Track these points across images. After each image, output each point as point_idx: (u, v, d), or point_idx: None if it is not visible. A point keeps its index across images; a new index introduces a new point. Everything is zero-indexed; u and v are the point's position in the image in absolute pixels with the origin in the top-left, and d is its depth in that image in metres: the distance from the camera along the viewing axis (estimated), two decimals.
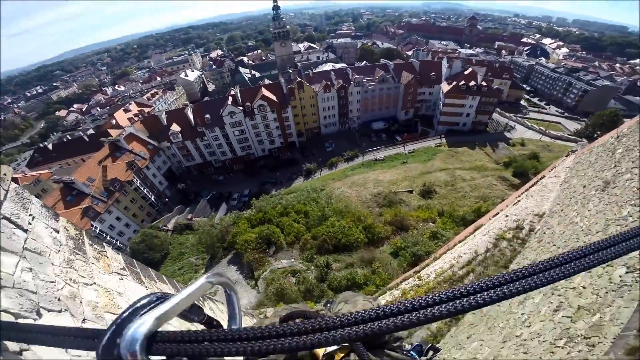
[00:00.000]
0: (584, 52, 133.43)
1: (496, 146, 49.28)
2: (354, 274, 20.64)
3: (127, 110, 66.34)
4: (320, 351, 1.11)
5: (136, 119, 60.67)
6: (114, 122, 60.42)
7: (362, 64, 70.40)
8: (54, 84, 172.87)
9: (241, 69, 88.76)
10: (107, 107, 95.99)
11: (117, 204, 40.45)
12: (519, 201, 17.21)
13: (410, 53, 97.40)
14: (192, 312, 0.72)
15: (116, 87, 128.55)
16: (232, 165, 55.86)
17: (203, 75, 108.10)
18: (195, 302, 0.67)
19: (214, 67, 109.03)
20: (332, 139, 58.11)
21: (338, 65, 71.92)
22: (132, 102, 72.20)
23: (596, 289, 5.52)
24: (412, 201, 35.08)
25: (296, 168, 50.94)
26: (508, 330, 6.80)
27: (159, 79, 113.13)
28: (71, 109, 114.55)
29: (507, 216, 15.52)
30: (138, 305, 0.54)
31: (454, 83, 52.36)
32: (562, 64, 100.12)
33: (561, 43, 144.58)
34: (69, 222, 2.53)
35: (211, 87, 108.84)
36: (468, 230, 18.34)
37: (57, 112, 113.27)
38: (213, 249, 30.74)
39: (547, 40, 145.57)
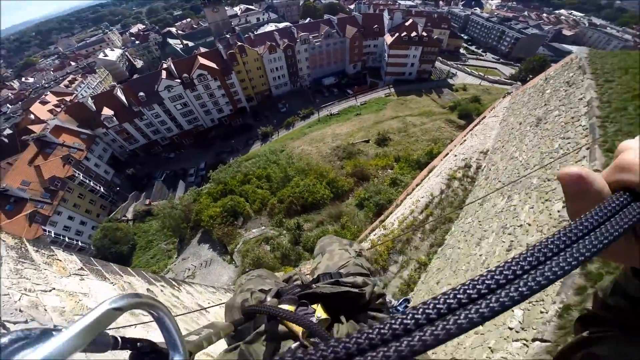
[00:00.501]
0: (514, 2, 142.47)
1: (441, 92, 51.86)
2: (325, 231, 20.77)
3: (44, 102, 57.44)
4: (299, 327, 0.98)
5: (58, 110, 52.91)
6: (32, 117, 51.92)
7: (307, 21, 67.84)
8: None
9: (171, 41, 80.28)
10: (19, 102, 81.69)
11: (64, 203, 37.49)
12: (465, 140, 18.16)
13: (352, 7, 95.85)
14: (100, 340, 0.53)
15: (23, 79, 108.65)
16: (181, 141, 52.09)
17: (127, 53, 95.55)
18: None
19: (137, 42, 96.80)
20: (285, 99, 56.60)
21: (281, 25, 68.18)
22: (49, 93, 62.44)
23: (540, 226, 5.70)
24: (369, 150, 35.98)
25: (251, 133, 49.16)
26: (470, 272, 7.03)
27: (73, 63, 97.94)
28: None
29: (455, 156, 16.22)
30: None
31: (397, 35, 53.01)
32: (495, 13, 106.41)
33: None
34: (5, 233, 2.51)
35: (139, 63, 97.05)
36: (423, 173, 18.83)
37: None
38: (179, 231, 29.15)
39: None
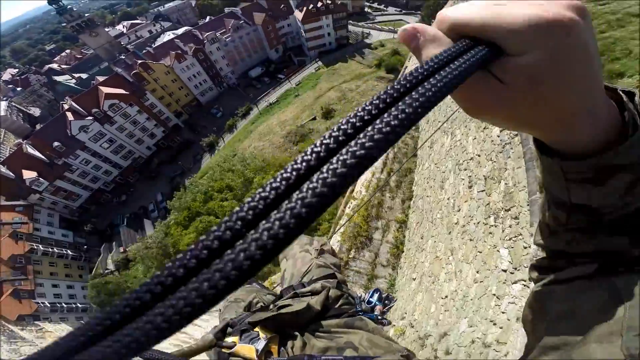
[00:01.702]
0: None
1: (363, 53, 53.88)
2: None
3: None
4: (250, 353, 1.02)
5: None
6: None
7: (207, 20, 63.59)
8: None
9: (58, 78, 70.02)
10: None
11: (40, 275, 36.78)
12: None
13: None
14: None
15: None
16: (125, 180, 47.55)
17: (13, 103, 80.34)
18: None
19: (19, 89, 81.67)
20: (217, 103, 54.44)
21: (180, 31, 63.08)
22: None
23: (487, 154, 5.68)
24: (319, 126, 36.87)
25: (195, 148, 46.74)
26: (446, 219, 6.94)
27: None
28: None
29: None
30: None
31: (305, 9, 53.11)
32: None
33: None
34: None
35: (36, 111, 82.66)
36: None
37: None
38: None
39: None
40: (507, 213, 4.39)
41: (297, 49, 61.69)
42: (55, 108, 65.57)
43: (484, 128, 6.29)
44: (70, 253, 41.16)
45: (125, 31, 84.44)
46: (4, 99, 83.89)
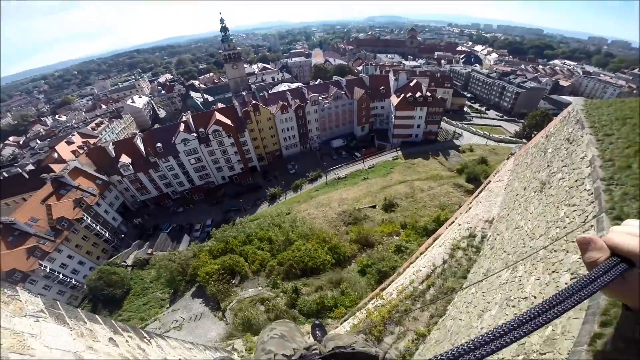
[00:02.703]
0: (510, 56, 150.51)
1: (448, 154, 52.33)
2: (324, 297, 20.13)
3: (70, 142, 60.97)
4: None
5: (81, 151, 56.08)
6: (55, 155, 55.01)
7: (317, 82, 71.84)
8: None
9: (192, 94, 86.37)
10: (48, 140, 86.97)
11: (67, 242, 38.69)
12: (470, 208, 17.53)
13: (360, 68, 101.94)
14: None
15: (57, 117, 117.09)
16: (191, 196, 53.31)
17: (152, 101, 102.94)
18: None
19: (163, 92, 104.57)
20: (295, 160, 57.76)
21: (294, 85, 72.66)
22: (76, 133, 66.62)
23: (544, 299, 5.56)
24: (376, 216, 35.82)
25: (260, 193, 49.79)
26: None
27: (104, 107, 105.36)
28: (6, 142, 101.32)
29: (460, 225, 15.68)
30: None
31: (402, 96, 55.45)
32: (494, 69, 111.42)
33: (490, 49, 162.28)
34: None
35: (162, 113, 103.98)
36: (428, 242, 18.28)
37: None
38: (174, 283, 29.61)
39: (478, 47, 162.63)
40: (540, 357, 4.32)
41: (382, 132, 63.53)
42: (176, 117, 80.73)
43: (553, 272, 5.84)
44: (107, 235, 43.98)
45: (256, 71, 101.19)
46: (150, 95, 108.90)
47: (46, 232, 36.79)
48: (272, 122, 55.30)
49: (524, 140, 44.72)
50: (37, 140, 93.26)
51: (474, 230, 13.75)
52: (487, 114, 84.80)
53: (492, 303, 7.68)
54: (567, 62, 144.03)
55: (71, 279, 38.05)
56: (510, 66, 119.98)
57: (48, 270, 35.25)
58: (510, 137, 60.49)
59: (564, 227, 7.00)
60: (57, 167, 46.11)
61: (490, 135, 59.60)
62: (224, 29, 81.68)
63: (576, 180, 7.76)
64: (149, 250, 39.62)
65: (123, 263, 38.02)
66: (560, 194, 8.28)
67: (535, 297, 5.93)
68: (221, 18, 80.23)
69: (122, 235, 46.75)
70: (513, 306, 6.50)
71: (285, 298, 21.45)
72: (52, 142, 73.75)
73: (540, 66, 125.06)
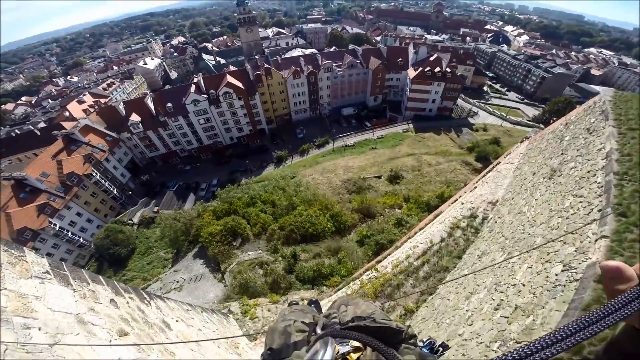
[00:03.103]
0: (542, 40, 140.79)
1: (460, 131, 50.99)
2: (321, 264, 20.44)
3: (81, 102, 61.90)
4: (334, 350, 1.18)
5: (92, 110, 56.64)
6: (67, 114, 56.07)
7: (332, 49, 69.50)
8: None
9: (205, 56, 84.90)
10: (59, 99, 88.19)
11: (77, 199, 38.73)
12: (475, 188, 17.21)
13: (379, 39, 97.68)
14: None
15: (69, 78, 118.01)
16: (199, 155, 54.00)
17: (165, 63, 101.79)
18: None
19: (175, 54, 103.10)
20: (303, 125, 57.44)
21: (307, 51, 70.48)
22: (87, 93, 67.41)
23: (534, 287, 5.51)
24: (380, 187, 35.55)
25: (267, 155, 50.02)
26: (453, 327, 6.84)
27: (116, 68, 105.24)
28: (19, 101, 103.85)
29: (462, 204, 15.50)
30: None
31: (420, 69, 53.28)
32: (523, 51, 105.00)
33: (522, 30, 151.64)
34: None
35: (174, 74, 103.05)
36: (429, 218, 18.24)
37: (2, 106, 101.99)
38: (177, 243, 29.78)
39: (509, 28, 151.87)
40: (515, 345, 4.33)
41: (395, 104, 61.83)
42: (188, 78, 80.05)
43: (546, 261, 5.91)
44: (115, 192, 44.40)
45: (271, 36, 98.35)
46: (162, 57, 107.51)
47: (56, 188, 36.94)
48: (284, 87, 54.46)
49: (542, 126, 42.89)
50: (49, 99, 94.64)
51: (476, 211, 13.65)
52: (507, 95, 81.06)
53: (481, 286, 7.71)
54: (604, 51, 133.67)
55: (79, 237, 38.14)
56: (540, 50, 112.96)
57: (57, 228, 35.03)
58: (527, 120, 58.10)
59: (567, 218, 6.83)
60: (68, 125, 46.80)
61: (507, 117, 57.35)
62: None
63: (588, 171, 7.53)
64: (155, 209, 40.01)
65: (130, 221, 38.19)
66: (569, 183, 8.07)
67: (524, 285, 5.91)
68: None
69: (130, 192, 47.60)
70: (501, 292, 6.51)
71: (283, 263, 21.74)
72: (64, 102, 74.68)
73: (573, 52, 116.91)
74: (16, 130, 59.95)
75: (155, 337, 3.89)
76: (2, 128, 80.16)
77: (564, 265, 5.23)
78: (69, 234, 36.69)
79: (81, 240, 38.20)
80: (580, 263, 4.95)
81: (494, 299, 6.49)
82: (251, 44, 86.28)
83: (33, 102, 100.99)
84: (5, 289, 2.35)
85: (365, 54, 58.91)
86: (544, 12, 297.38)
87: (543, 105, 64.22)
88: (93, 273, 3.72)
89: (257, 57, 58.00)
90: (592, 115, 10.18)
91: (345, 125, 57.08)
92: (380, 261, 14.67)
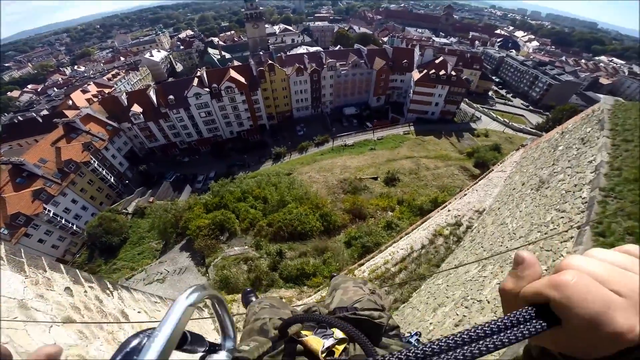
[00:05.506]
0: (553, 47, 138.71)
1: (461, 136, 50.32)
2: (305, 263, 20.08)
3: (85, 91, 62.76)
4: (317, 346, 1.13)
5: (95, 99, 57.14)
6: (70, 102, 56.81)
7: (337, 48, 69.10)
8: (6, 65, 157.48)
9: (210, 50, 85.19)
10: (65, 88, 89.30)
11: (73, 186, 38.92)
12: (465, 195, 17.01)
13: (386, 39, 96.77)
14: (193, 342, 0.60)
15: (76, 67, 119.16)
16: (198, 147, 54.25)
17: (171, 56, 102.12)
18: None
19: (182, 47, 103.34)
20: (304, 122, 57.29)
21: (312, 49, 70.23)
22: (91, 83, 68.21)
23: (496, 306, 5.40)
24: (376, 188, 35.22)
25: (266, 151, 49.91)
26: None
27: (122, 59, 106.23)
28: (25, 89, 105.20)
29: (449, 211, 15.26)
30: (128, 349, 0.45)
31: (424, 71, 52.74)
32: (531, 57, 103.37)
33: (532, 36, 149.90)
34: None
35: (179, 67, 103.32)
36: (417, 223, 17.88)
37: (8, 93, 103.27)
38: (166, 235, 29.56)
39: (519, 33, 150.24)
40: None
41: (398, 105, 61.32)
42: (193, 72, 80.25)
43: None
44: (112, 180, 44.32)
45: (277, 32, 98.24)
46: (169, 50, 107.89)
47: (53, 174, 36.87)
48: (286, 84, 54.31)
49: (543, 133, 42.44)
50: (55, 88, 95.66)
51: (461, 219, 13.43)
52: (512, 101, 79.99)
53: (450, 299, 7.57)
54: (615, 59, 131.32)
55: (72, 224, 38.01)
56: (549, 56, 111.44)
57: (52, 214, 34.84)
58: (530, 128, 57.30)
59: (545, 233, 6.63)
60: (70, 113, 47.09)
61: (510, 124, 56.57)
62: None
63: (575, 185, 7.33)
64: (150, 199, 39.95)
65: (124, 210, 37.91)
66: (554, 197, 7.88)
67: (488, 302, 5.76)
68: None
69: (127, 181, 47.61)
70: (466, 307, 6.41)
71: (268, 260, 21.44)
72: (69, 91, 75.54)
73: (583, 60, 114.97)
74: (19, 117, 60.79)
75: (106, 326, 3.82)
76: (5, 114, 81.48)
77: None
78: (63, 221, 36.60)
79: (74, 227, 38.11)
80: None
81: (457, 314, 6.41)
82: (257, 39, 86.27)
83: (39, 90, 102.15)
84: None
85: (370, 54, 58.54)
86: (556, 19, 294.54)
87: (547, 113, 63.39)
88: (54, 262, 3.71)
89: (261, 53, 58.16)
90: (588, 125, 9.88)
91: (346, 124, 56.82)
92: (362, 264, 14.43)
